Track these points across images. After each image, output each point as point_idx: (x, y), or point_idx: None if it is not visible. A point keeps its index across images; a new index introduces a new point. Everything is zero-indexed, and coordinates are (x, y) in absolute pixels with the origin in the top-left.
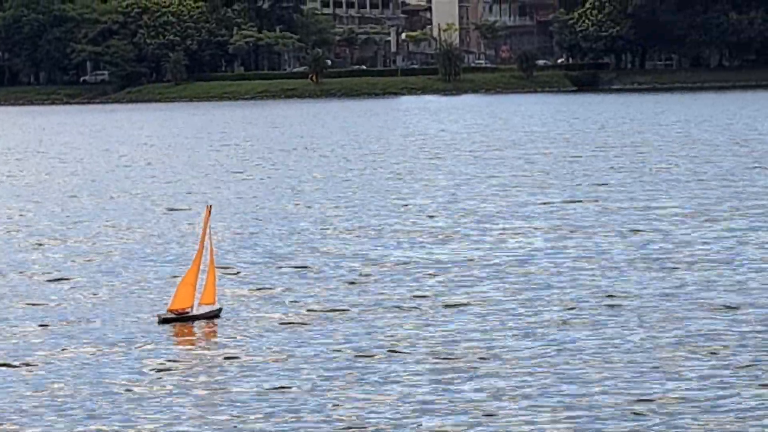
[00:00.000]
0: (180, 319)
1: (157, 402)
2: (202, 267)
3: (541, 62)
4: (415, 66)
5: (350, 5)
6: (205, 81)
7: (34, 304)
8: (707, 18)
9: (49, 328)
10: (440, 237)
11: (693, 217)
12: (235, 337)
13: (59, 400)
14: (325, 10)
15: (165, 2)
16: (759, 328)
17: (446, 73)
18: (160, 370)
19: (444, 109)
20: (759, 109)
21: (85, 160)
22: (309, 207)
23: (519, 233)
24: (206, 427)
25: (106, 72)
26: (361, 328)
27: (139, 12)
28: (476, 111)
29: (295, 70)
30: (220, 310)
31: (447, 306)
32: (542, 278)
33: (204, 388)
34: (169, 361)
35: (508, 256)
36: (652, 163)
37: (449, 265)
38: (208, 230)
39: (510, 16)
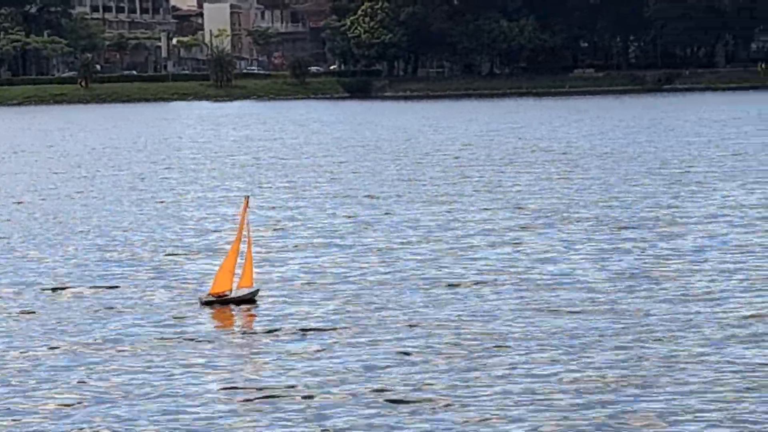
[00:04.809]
0: (220, 301)
1: (199, 373)
2: (240, 253)
3: (313, 69)
4: (187, 72)
5: (120, 10)
6: None
7: (94, 287)
8: (478, 25)
9: (99, 311)
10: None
11: (511, 230)
12: (270, 317)
13: (113, 375)
14: (95, 15)
15: None
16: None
17: (218, 79)
18: (201, 347)
19: (221, 115)
20: (543, 114)
21: None
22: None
23: (351, 248)
24: (243, 394)
25: None
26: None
27: None
28: (255, 117)
29: (63, 75)
30: (256, 292)
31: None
32: (371, 296)
33: (239, 362)
34: (209, 338)
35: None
36: (465, 172)
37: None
38: (245, 219)
39: (282, 23)
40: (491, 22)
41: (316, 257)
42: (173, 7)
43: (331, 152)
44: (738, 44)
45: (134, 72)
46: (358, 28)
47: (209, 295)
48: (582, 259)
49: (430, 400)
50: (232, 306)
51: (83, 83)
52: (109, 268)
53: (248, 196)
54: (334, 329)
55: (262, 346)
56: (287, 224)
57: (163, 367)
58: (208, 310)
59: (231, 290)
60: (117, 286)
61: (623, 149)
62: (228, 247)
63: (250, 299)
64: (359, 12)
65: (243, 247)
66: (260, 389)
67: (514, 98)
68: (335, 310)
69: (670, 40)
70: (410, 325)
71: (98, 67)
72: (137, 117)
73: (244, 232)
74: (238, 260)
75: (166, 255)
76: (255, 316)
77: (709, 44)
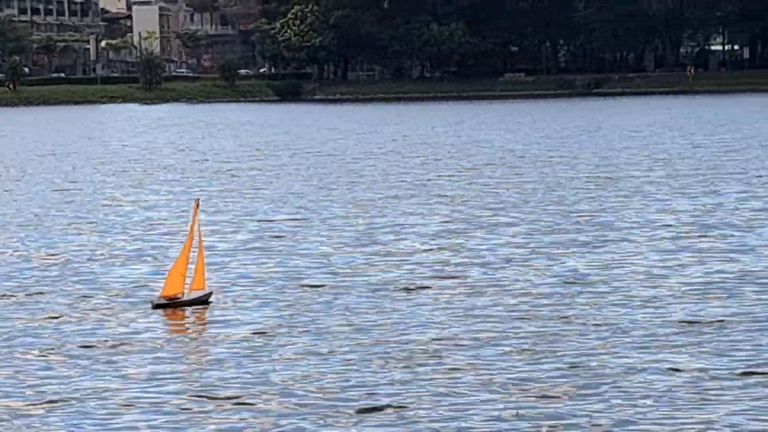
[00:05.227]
0: (171, 304)
1: (149, 377)
2: (191, 255)
3: (243, 72)
4: (116, 74)
5: (48, 12)
6: None
7: (39, 293)
8: (408, 29)
9: (50, 314)
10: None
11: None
12: (223, 320)
13: (65, 377)
14: (23, 17)
15: None
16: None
17: (147, 81)
18: (151, 351)
19: (151, 118)
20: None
21: None
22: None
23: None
24: (193, 396)
25: None
26: (340, 312)
27: None
28: (185, 120)
29: None
30: (209, 294)
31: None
32: (313, 301)
33: (186, 367)
34: (160, 342)
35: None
36: (401, 176)
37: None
38: (197, 222)
39: (212, 25)
40: (421, 26)
41: (256, 261)
42: (102, 9)
43: (264, 155)
44: (667, 49)
45: (63, 75)
46: (288, 31)
47: (161, 297)
48: (518, 264)
49: (376, 407)
50: (184, 309)
51: (11, 86)
52: (48, 273)
53: (198, 200)
54: (275, 335)
55: (207, 351)
56: (224, 227)
57: (111, 371)
58: (159, 313)
59: (183, 293)
60: (57, 291)
61: (558, 153)
62: (166, 250)
63: (202, 302)
64: (289, 15)
65: (194, 249)
66: (205, 396)
67: (444, 102)
68: (276, 317)
69: (599, 45)
70: (353, 330)
71: (26, 69)
72: (66, 120)
73: (195, 235)
74: (190, 263)
75: (104, 258)
76: (204, 320)
77: (638, 49)
